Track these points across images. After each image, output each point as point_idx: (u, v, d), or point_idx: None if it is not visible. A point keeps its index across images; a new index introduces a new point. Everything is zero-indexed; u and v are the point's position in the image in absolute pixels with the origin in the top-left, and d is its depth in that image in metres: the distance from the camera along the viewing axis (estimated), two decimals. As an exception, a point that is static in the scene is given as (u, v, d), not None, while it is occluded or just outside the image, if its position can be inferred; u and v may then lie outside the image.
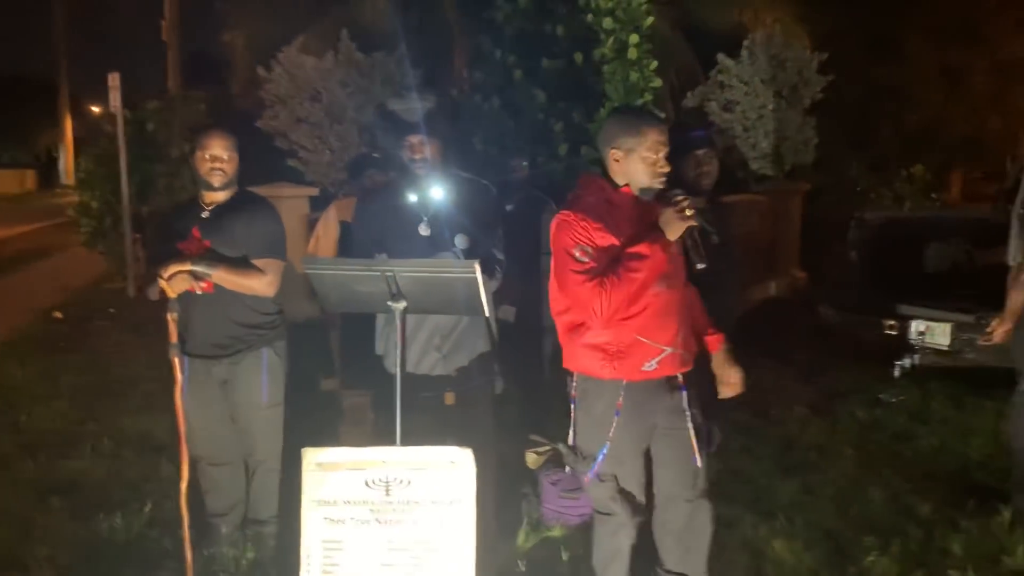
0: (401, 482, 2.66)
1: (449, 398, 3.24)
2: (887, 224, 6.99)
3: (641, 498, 2.98)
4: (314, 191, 9.09)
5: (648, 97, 8.15)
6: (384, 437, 3.81)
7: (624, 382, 2.83)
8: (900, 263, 6.68)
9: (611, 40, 7.88)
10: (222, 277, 3.30)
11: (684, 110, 11.20)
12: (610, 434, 2.85)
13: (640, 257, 2.70)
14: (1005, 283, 4.04)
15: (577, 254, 2.76)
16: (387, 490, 2.66)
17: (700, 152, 3.75)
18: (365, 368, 3.84)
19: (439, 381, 3.23)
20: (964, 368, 5.87)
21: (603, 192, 2.85)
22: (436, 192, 3.21)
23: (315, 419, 4.85)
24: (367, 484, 2.66)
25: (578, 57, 8.01)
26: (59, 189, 37.44)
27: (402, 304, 2.74)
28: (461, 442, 3.03)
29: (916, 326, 5.91)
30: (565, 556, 3.61)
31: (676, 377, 2.91)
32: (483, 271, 2.99)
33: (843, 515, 4.05)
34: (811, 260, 11.06)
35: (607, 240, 2.75)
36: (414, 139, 3.19)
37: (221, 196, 3.45)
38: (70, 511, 4.06)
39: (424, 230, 3.18)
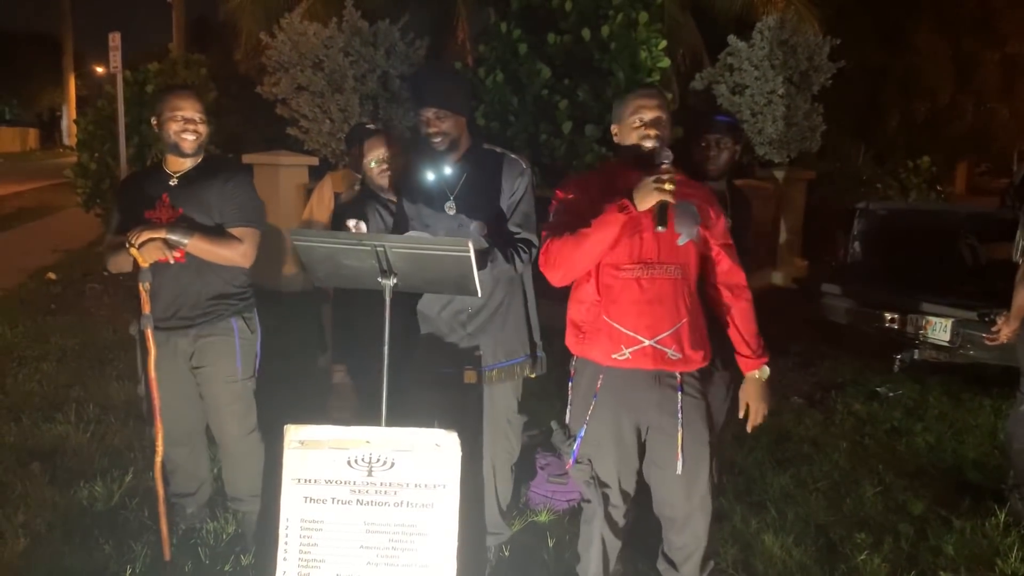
0: (384, 463, 2.58)
1: (470, 376, 3.11)
2: (892, 215, 6.89)
3: (617, 489, 2.85)
4: (313, 160, 9.02)
5: (655, 77, 8.04)
6: (363, 414, 3.75)
7: (602, 366, 2.76)
8: (903, 255, 6.59)
9: (620, 17, 7.75)
10: (197, 246, 3.12)
11: (692, 92, 11.07)
12: (587, 416, 2.80)
13: (596, 214, 2.62)
14: (1008, 280, 3.95)
15: (552, 214, 2.80)
16: (369, 471, 2.59)
17: (711, 136, 3.65)
18: (355, 344, 3.78)
19: (461, 358, 3.11)
20: (963, 364, 5.80)
21: (609, 169, 2.83)
22: (451, 170, 3.08)
23: (305, 393, 4.79)
24: (349, 464, 2.59)
25: (585, 33, 7.88)
26: (61, 148, 37.30)
27: (392, 281, 2.65)
28: (478, 422, 2.97)
29: (917, 320, 5.83)
30: (551, 542, 3.55)
31: (673, 375, 2.75)
32: (499, 252, 2.91)
33: (835, 510, 3.99)
34: (813, 249, 10.98)
35: (581, 207, 2.71)
36: (428, 112, 3.02)
37: (189, 163, 3.26)
38: (50, 477, 4.00)
39: (450, 209, 3.06)
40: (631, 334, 2.70)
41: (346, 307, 3.81)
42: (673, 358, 2.72)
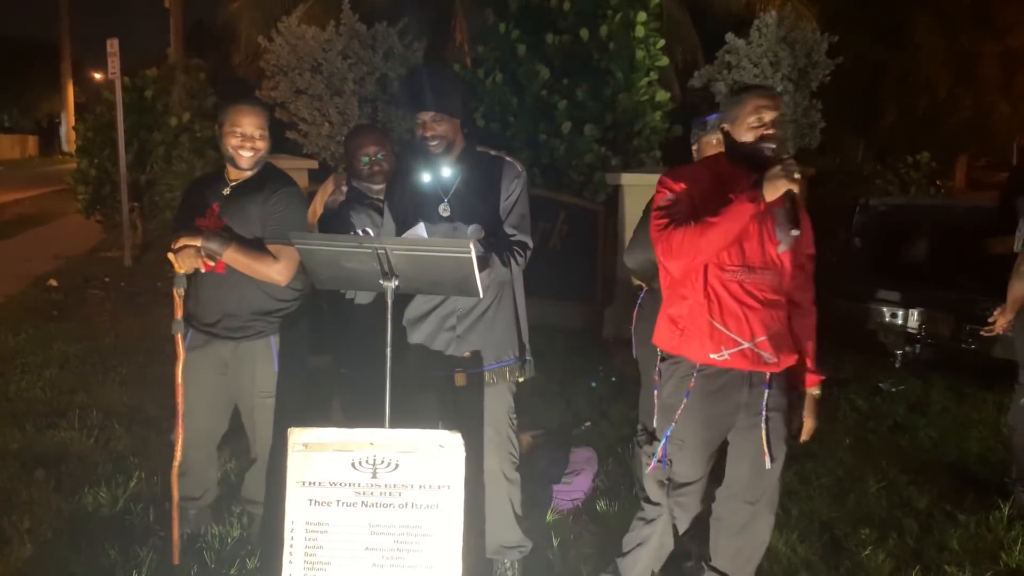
0: (388, 465, 2.58)
1: (460, 379, 3.09)
2: (892, 211, 6.89)
3: (694, 489, 2.85)
4: (313, 164, 9.01)
5: (654, 76, 8.06)
6: (354, 415, 3.75)
7: (697, 365, 2.74)
8: (904, 251, 6.59)
9: (618, 16, 7.76)
10: (233, 258, 3.08)
11: (691, 90, 11.08)
12: (675, 416, 2.78)
13: (726, 202, 2.58)
14: (1009, 274, 3.96)
15: (662, 204, 2.73)
16: (374, 472, 2.59)
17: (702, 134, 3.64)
18: (357, 344, 3.78)
19: (451, 360, 3.09)
20: (966, 359, 5.80)
21: (717, 165, 2.79)
22: (446, 172, 3.07)
23: (309, 395, 4.79)
24: (353, 466, 2.59)
25: (584, 33, 7.89)
26: (60, 155, 37.35)
27: (394, 283, 2.65)
28: (469, 424, 2.96)
29: (918, 315, 5.83)
30: (555, 541, 3.55)
31: (763, 374, 2.74)
32: (496, 256, 2.91)
33: (839, 506, 4.00)
34: (814, 245, 10.96)
35: (695, 198, 2.69)
36: (425, 116, 3.00)
37: (247, 174, 3.24)
38: (55, 483, 4.00)
39: (444, 211, 3.04)
40: (733, 336, 2.69)
41: (341, 308, 3.81)
42: (769, 362, 2.73)
